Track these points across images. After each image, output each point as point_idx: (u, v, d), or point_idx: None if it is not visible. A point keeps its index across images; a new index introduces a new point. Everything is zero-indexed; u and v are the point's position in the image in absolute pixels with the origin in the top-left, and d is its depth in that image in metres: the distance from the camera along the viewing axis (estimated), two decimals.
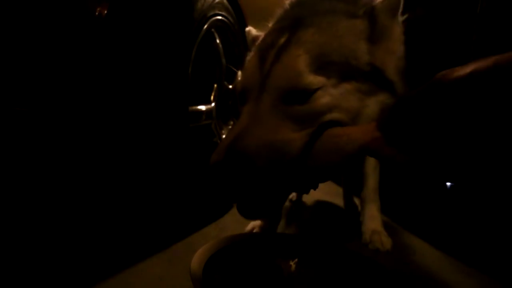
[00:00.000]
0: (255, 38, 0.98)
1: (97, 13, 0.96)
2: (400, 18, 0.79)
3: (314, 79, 0.69)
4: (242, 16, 1.69)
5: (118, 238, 1.19)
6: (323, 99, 0.70)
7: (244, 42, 1.72)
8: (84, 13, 0.95)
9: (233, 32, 1.62)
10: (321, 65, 0.70)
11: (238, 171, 0.64)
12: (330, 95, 0.70)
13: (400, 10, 0.78)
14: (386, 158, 0.59)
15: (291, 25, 0.76)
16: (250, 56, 0.83)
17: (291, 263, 0.86)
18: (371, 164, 1.32)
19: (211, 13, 1.37)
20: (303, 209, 1.75)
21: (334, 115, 0.71)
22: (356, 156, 0.64)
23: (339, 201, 1.84)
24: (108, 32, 0.99)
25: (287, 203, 1.72)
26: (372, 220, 1.27)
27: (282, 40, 0.74)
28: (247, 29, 1.07)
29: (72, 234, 1.19)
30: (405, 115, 0.56)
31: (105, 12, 0.97)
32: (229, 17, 1.56)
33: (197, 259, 0.75)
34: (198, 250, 0.78)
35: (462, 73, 0.48)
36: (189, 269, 0.70)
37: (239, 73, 1.74)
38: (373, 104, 0.74)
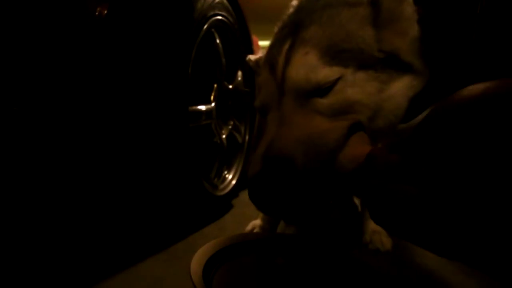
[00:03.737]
0: (258, 60, 0.99)
1: (97, 13, 0.96)
2: None
3: (330, 71, 0.67)
4: (242, 16, 1.69)
5: (118, 238, 1.19)
6: (344, 90, 0.67)
7: (244, 41, 1.72)
8: (84, 13, 0.95)
9: (233, 32, 1.62)
10: (334, 55, 0.67)
11: (279, 176, 0.60)
12: (351, 84, 0.67)
13: None
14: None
15: (291, 31, 0.74)
16: (261, 72, 0.82)
17: (291, 263, 0.86)
18: None
19: (211, 13, 1.37)
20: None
21: (356, 116, 0.67)
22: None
23: None
24: (108, 32, 0.99)
25: None
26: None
27: (287, 45, 0.72)
28: (247, 58, 1.11)
29: (72, 234, 1.19)
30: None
31: (105, 12, 0.97)
32: (229, 17, 1.56)
33: (197, 259, 0.75)
34: (198, 250, 0.79)
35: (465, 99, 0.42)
36: (189, 269, 0.70)
37: (239, 73, 1.74)
38: (400, 92, 0.71)
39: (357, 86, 0.68)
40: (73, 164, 1.06)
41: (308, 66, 0.68)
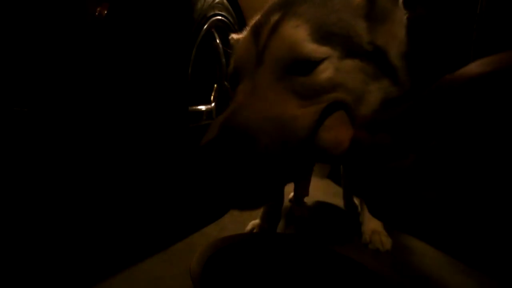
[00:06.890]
0: (237, 40, 0.91)
1: (97, 13, 0.96)
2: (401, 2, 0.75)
3: (318, 48, 0.63)
4: (242, 16, 1.69)
5: (118, 238, 1.19)
6: (329, 71, 0.64)
7: None
8: (84, 13, 0.95)
9: (233, 32, 1.62)
10: (323, 36, 0.65)
11: (237, 150, 0.52)
12: (336, 68, 0.64)
13: None
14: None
15: (282, 6, 0.71)
16: (242, 37, 0.76)
17: (290, 263, 0.86)
18: None
19: (211, 13, 1.37)
20: (303, 209, 1.75)
21: (339, 95, 0.64)
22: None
23: (339, 201, 1.84)
24: (108, 32, 0.99)
25: (287, 203, 1.72)
26: (372, 220, 1.27)
27: (276, 16, 0.68)
28: (230, 37, 1.01)
29: (72, 234, 1.19)
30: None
31: (105, 12, 0.97)
32: (229, 17, 1.56)
33: (197, 259, 0.75)
34: (198, 250, 0.78)
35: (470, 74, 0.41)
36: (189, 269, 0.70)
37: None
38: (376, 91, 0.69)
39: (343, 71, 0.65)
40: (73, 164, 1.06)
41: (296, 38, 0.64)
